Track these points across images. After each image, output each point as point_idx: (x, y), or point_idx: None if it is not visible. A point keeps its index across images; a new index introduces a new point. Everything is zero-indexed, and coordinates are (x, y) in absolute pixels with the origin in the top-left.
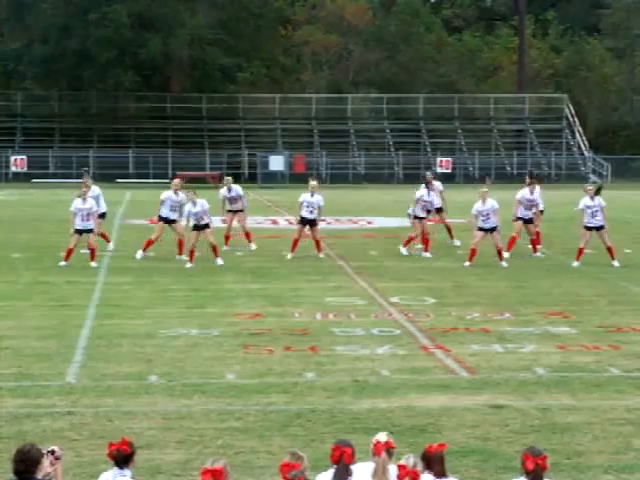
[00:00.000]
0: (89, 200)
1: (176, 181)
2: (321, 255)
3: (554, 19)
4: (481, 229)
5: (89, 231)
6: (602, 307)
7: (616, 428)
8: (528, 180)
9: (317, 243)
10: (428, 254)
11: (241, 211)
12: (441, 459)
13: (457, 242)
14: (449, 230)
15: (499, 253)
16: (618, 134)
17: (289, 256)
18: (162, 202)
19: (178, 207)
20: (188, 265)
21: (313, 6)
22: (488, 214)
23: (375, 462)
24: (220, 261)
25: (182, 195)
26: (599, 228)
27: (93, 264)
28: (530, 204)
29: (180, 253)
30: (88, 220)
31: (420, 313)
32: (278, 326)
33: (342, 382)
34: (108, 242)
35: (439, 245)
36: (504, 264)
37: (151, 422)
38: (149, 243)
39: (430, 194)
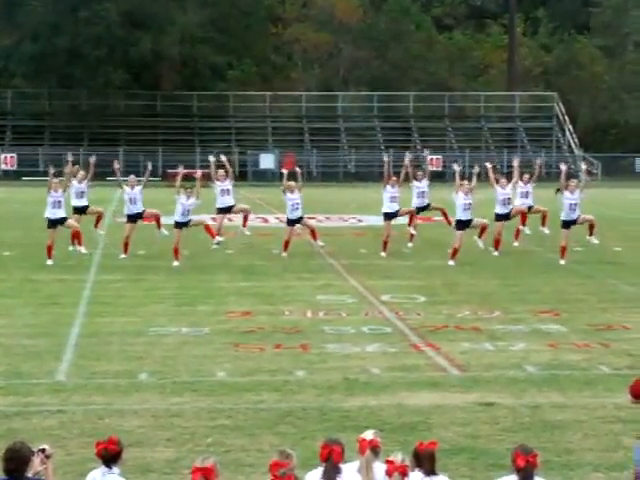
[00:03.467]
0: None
1: (131, 177)
2: (320, 243)
3: (544, 17)
4: (460, 222)
5: (63, 220)
6: (592, 305)
7: (606, 426)
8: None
9: (312, 232)
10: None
11: (232, 207)
12: (431, 457)
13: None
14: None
15: (496, 242)
16: (608, 132)
17: (284, 254)
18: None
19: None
20: (175, 263)
21: (303, 4)
22: (470, 204)
23: (360, 460)
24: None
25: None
26: (575, 222)
27: (82, 250)
28: (505, 197)
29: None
30: (59, 208)
31: (410, 311)
32: (269, 324)
33: (332, 380)
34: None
35: (429, 243)
36: (496, 253)
37: (141, 420)
38: (126, 244)
39: (422, 181)
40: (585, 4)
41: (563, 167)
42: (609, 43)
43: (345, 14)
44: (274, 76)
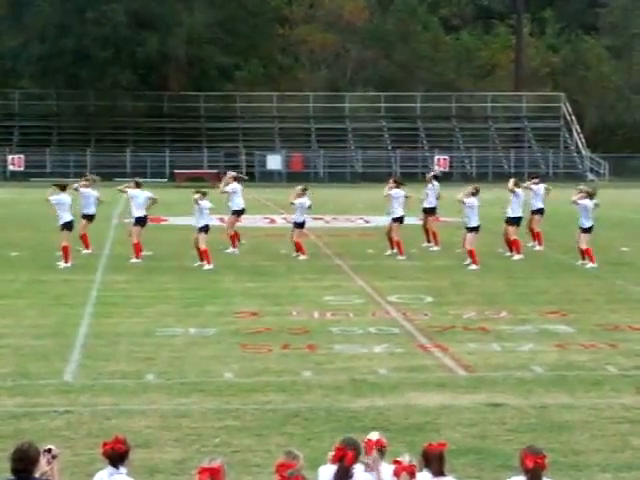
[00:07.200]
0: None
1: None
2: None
3: (551, 18)
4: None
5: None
6: (600, 306)
7: (613, 426)
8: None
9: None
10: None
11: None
12: (440, 457)
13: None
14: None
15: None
16: (615, 133)
17: (301, 257)
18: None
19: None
20: (207, 267)
21: (311, 5)
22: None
23: (367, 460)
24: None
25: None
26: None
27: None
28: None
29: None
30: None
31: (418, 312)
32: (276, 325)
33: (340, 381)
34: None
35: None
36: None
37: (149, 421)
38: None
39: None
40: (592, 4)
41: None
42: (616, 43)
43: (352, 15)
44: (281, 77)
